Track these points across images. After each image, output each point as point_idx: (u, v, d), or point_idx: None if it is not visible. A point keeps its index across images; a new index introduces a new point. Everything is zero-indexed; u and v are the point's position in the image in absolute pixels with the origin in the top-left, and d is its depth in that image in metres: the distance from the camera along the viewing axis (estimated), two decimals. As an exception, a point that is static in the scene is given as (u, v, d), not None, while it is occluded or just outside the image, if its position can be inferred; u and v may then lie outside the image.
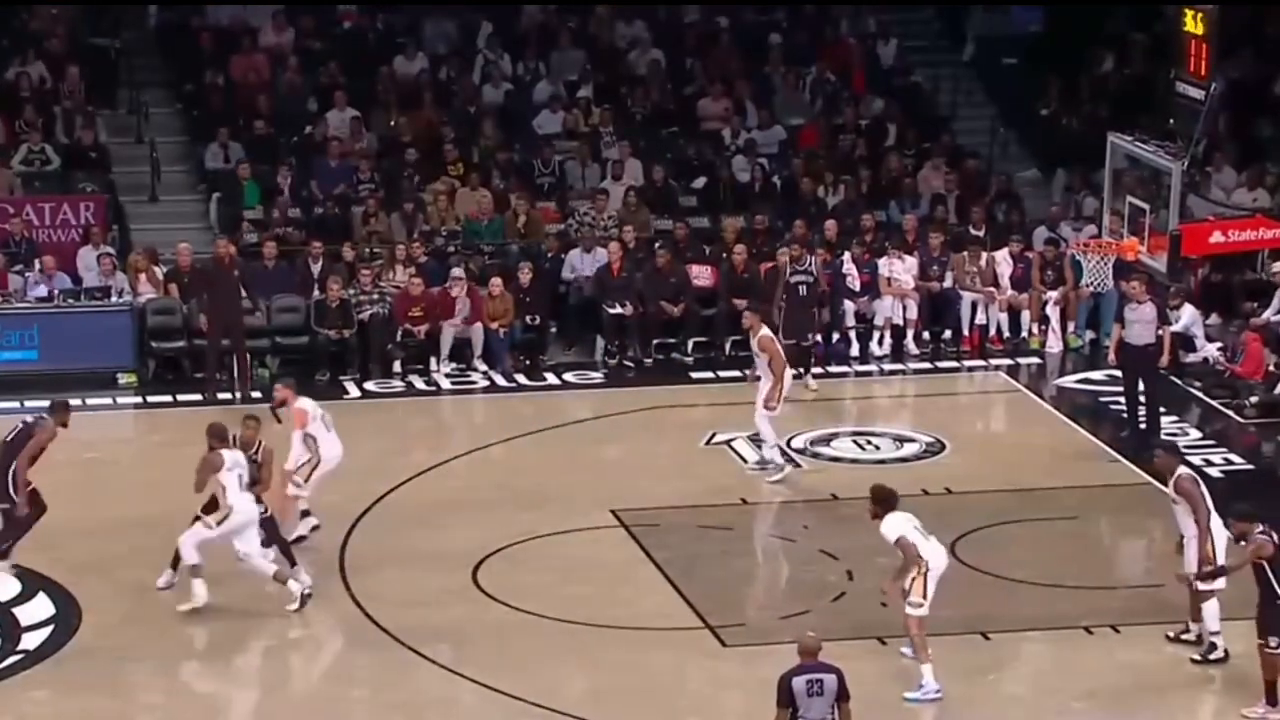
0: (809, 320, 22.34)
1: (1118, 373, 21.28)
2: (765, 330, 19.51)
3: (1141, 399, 20.50)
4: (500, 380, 22.96)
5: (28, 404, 21.70)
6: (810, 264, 22.44)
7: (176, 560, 16.62)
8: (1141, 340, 20.44)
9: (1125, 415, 20.83)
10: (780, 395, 19.13)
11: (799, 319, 22.10)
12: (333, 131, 26.56)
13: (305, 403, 17.83)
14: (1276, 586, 14.36)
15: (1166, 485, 15.78)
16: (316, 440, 17.69)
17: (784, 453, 19.60)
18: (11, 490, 16.71)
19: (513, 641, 16.10)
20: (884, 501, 15.26)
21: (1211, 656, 15.60)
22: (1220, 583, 15.44)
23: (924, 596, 15.08)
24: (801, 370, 21.81)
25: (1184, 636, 15.88)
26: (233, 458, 16.53)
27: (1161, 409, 20.73)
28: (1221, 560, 15.37)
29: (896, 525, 15.16)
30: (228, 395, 22.12)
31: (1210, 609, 15.55)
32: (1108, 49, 29.09)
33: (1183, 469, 15.76)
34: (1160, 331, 20.72)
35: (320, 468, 17.70)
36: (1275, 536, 14.52)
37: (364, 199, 25.50)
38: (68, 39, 27.31)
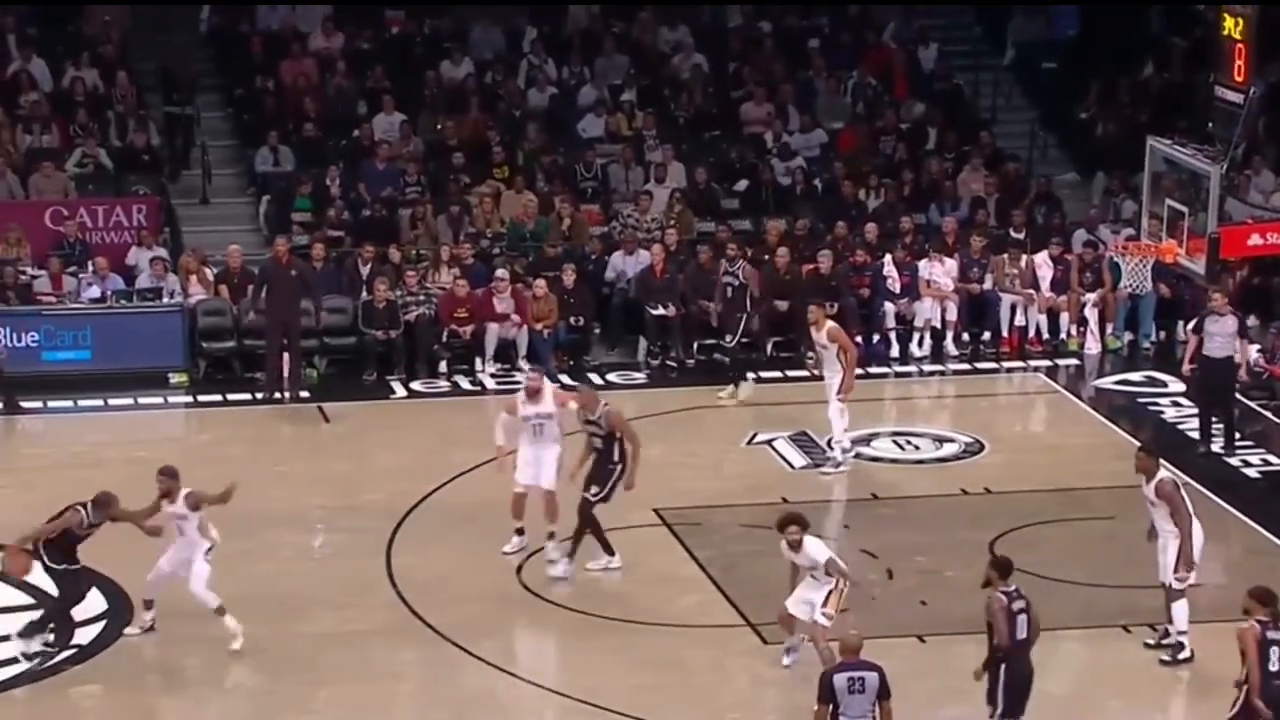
0: (734, 322, 22.17)
1: (1146, 374, 21.23)
2: (831, 322, 19.49)
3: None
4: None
5: (81, 403, 21.92)
6: (741, 268, 22.34)
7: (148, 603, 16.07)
8: (1221, 353, 20.21)
9: (1199, 432, 20.57)
10: (852, 384, 19.04)
11: (724, 319, 22.03)
12: (380, 135, 26.63)
13: None
14: None
15: (1146, 486, 15.64)
16: None
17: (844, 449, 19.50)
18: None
19: (556, 638, 16.14)
20: (803, 523, 15.20)
21: (1180, 657, 15.58)
22: (1191, 580, 15.39)
23: (836, 610, 15.06)
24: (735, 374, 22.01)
25: (1164, 641, 15.82)
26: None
27: (1224, 416, 20.57)
28: (1198, 563, 15.35)
29: (820, 548, 15.14)
30: (277, 395, 22.20)
31: (1180, 609, 15.51)
32: (1147, 53, 28.99)
33: (1164, 473, 15.68)
34: (1239, 345, 20.56)
35: None
36: None
37: (411, 201, 25.58)
38: (120, 44, 27.46)
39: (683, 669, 15.69)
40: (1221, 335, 20.26)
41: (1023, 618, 13.51)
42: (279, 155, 26.27)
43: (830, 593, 15.05)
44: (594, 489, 17.02)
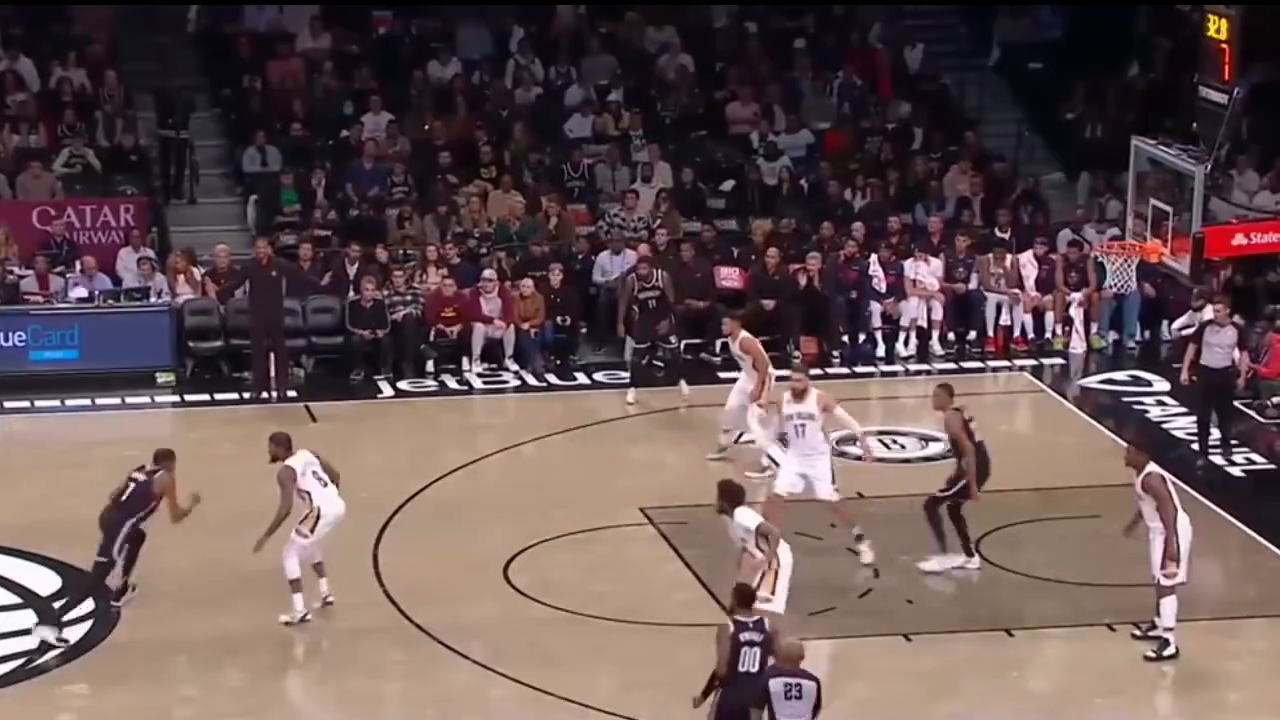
0: (658, 329, 22.18)
1: (1120, 373, 21.24)
2: (745, 333, 19.58)
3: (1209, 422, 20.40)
4: (531, 380, 23.02)
5: (68, 403, 21.88)
6: (657, 279, 22.34)
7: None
8: (1220, 363, 20.27)
9: (1197, 442, 20.55)
10: (767, 392, 19.08)
11: (647, 326, 22.08)
12: (368, 135, 26.62)
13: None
14: None
15: (1135, 479, 15.70)
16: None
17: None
18: (114, 550, 16.20)
19: (544, 638, 16.14)
20: (732, 497, 15.22)
21: (1165, 653, 15.60)
22: (1181, 577, 15.41)
23: (773, 592, 15.04)
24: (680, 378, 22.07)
25: (1151, 633, 15.86)
26: (302, 460, 16.34)
27: (1234, 434, 20.64)
28: (1185, 558, 15.36)
29: (751, 517, 15.14)
30: (264, 395, 22.17)
31: (1169, 606, 15.54)
32: (1132, 54, 29.02)
33: (1153, 467, 15.70)
34: (1238, 355, 20.60)
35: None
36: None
37: (398, 201, 25.57)
38: (109, 43, 27.41)
39: (670, 668, 15.66)
40: (1221, 346, 20.24)
41: (751, 651, 13.03)
42: (266, 155, 26.25)
43: (763, 575, 14.92)
44: (942, 487, 16.81)
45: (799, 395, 17.40)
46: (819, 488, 17.25)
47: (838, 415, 17.50)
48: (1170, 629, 15.61)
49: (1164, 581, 15.54)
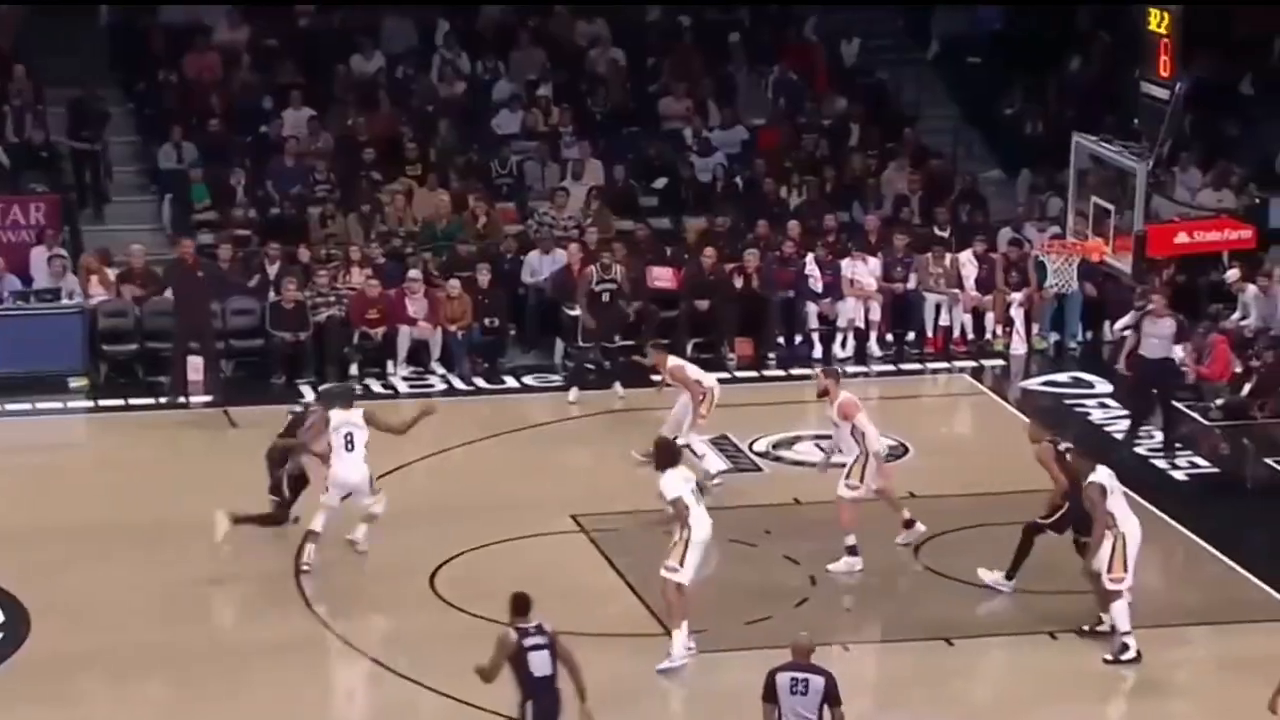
0: (614, 323, 22.31)
1: (1077, 373, 21.37)
2: (672, 360, 19.63)
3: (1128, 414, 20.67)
4: (459, 383, 22.99)
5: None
6: (617, 273, 22.41)
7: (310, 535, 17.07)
8: (1158, 354, 20.55)
9: (1127, 429, 20.95)
10: (709, 407, 19.12)
11: (605, 323, 22.13)
12: (289, 131, 26.52)
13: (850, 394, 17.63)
14: None
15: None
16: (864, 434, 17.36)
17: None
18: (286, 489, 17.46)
19: (473, 650, 15.99)
20: (665, 457, 15.63)
21: (1124, 657, 15.75)
22: (1128, 582, 15.61)
23: (681, 563, 15.40)
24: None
25: (1098, 629, 16.06)
26: (340, 418, 17.20)
27: (1167, 420, 20.92)
28: (1131, 565, 15.58)
29: (675, 484, 15.46)
30: (181, 400, 22.06)
31: (1119, 609, 15.72)
32: (1073, 48, 29.23)
33: (1093, 478, 15.89)
34: (1178, 346, 20.83)
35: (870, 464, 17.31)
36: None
37: (320, 200, 25.49)
38: (13, 37, 27.19)
39: (603, 681, 15.65)
40: (1158, 337, 20.52)
41: (540, 654, 13.15)
42: (182, 152, 26.11)
43: (674, 544, 15.21)
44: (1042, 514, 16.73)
45: (821, 397, 17.80)
46: (839, 485, 17.45)
47: (858, 423, 17.45)
48: (1127, 633, 15.73)
49: (1108, 586, 15.70)
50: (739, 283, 24.09)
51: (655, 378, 20.77)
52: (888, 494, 17.69)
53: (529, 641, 13.15)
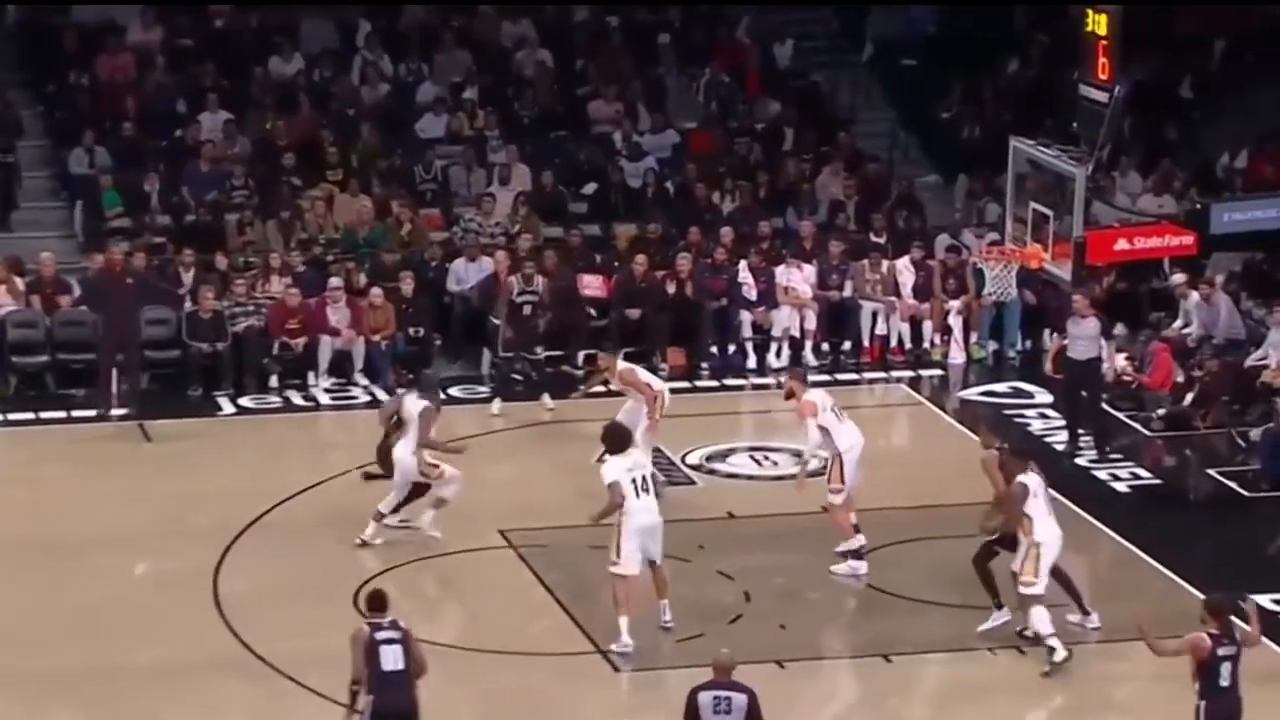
0: (535, 335, 22.25)
1: (1022, 384, 21.44)
2: (622, 364, 19.64)
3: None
4: (382, 395, 22.87)
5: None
6: (538, 284, 22.38)
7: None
8: (1084, 355, 20.78)
9: (1066, 433, 21.24)
10: (660, 410, 19.16)
11: (525, 334, 22.10)
12: (205, 135, 26.40)
13: (814, 393, 17.80)
14: None
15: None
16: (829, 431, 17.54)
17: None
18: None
19: (397, 669, 16.02)
20: (612, 441, 16.02)
21: (1055, 659, 15.88)
22: (1040, 588, 15.81)
23: (618, 554, 15.74)
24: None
25: (1026, 633, 16.22)
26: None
27: (1093, 422, 21.15)
28: (1044, 572, 15.82)
29: (614, 469, 15.96)
30: (113, 413, 21.90)
31: (1036, 615, 15.87)
32: (1010, 50, 29.40)
33: (1020, 480, 16.06)
34: (1104, 345, 21.01)
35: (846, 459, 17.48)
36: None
37: (238, 206, 25.36)
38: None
39: (531, 699, 15.66)
40: (1083, 338, 20.74)
41: (392, 649, 13.33)
42: (95, 156, 25.94)
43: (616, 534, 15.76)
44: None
45: (788, 399, 18.02)
46: (826, 494, 17.66)
47: (823, 423, 17.60)
48: (1051, 635, 15.86)
49: (1023, 590, 15.90)
50: (671, 289, 24.09)
51: (582, 386, 20.74)
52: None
53: (381, 635, 13.39)
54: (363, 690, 13.40)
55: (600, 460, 18.02)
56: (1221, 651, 13.28)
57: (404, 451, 18.03)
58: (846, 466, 17.60)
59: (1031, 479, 16.08)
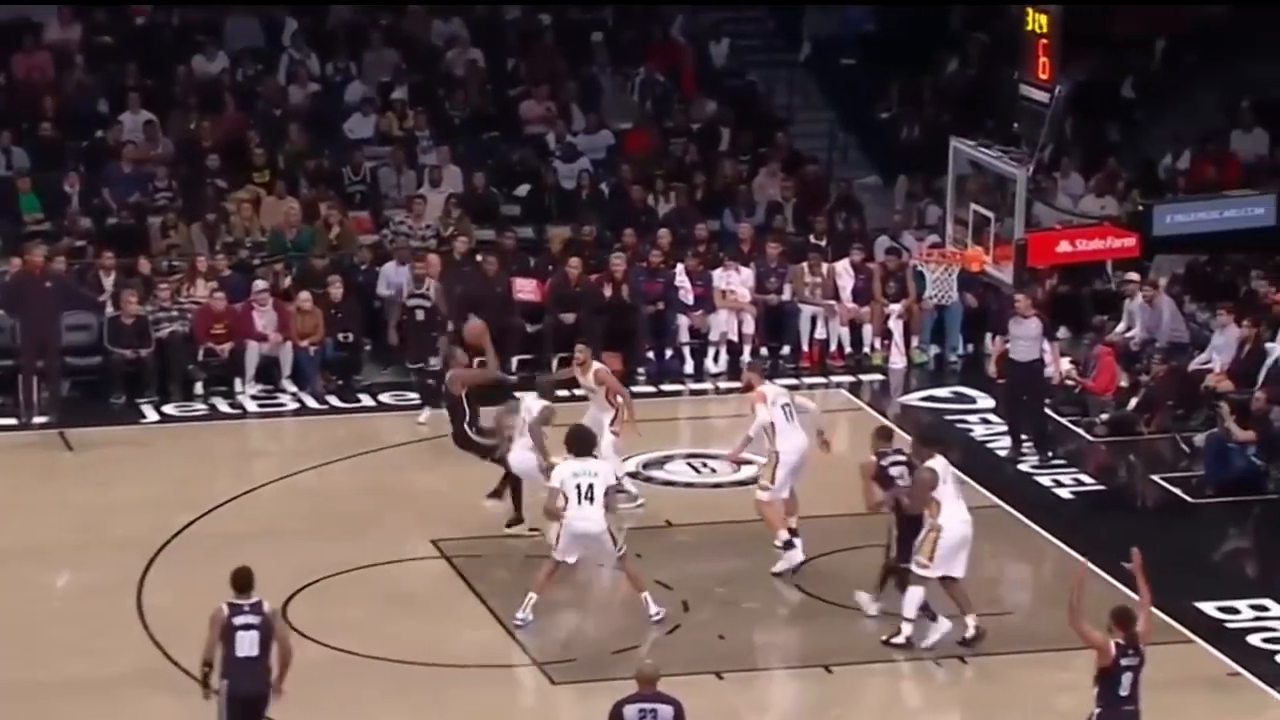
0: (429, 344, 22.17)
1: (963, 390, 21.60)
2: (597, 365, 19.68)
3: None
4: (311, 402, 22.87)
5: None
6: (428, 288, 22.31)
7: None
8: (1026, 356, 20.96)
9: (1009, 438, 21.42)
10: (629, 415, 19.26)
11: (419, 344, 21.97)
12: (126, 135, 26.32)
13: (769, 386, 18.08)
14: None
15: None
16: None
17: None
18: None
19: (329, 682, 16.03)
20: (572, 444, 16.75)
21: (894, 640, 16.36)
22: (930, 572, 16.24)
23: (556, 541, 16.46)
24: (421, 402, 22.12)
25: (968, 637, 16.50)
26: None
27: (1033, 426, 21.32)
28: (939, 558, 16.22)
29: (561, 473, 16.58)
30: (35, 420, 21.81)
31: (912, 594, 16.32)
32: (949, 49, 29.58)
33: (928, 465, 16.43)
34: (1046, 346, 21.19)
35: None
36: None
37: (161, 208, 25.29)
38: None
39: (465, 712, 15.68)
40: (1025, 339, 20.92)
41: (249, 634, 13.55)
42: (12, 158, 25.82)
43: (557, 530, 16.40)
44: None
45: (746, 391, 18.45)
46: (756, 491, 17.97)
47: (768, 416, 17.96)
48: (909, 620, 16.27)
49: (913, 568, 16.32)
50: (607, 293, 24.13)
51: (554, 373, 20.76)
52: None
53: (239, 620, 13.52)
54: (216, 673, 13.54)
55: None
56: (1125, 661, 13.49)
57: (523, 451, 18.09)
58: (780, 469, 17.80)
59: (939, 464, 16.44)
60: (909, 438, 17.87)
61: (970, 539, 16.47)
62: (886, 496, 16.60)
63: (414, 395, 22.86)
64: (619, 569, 16.98)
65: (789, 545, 17.79)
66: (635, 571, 16.88)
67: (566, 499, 16.44)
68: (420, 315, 22.24)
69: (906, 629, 16.37)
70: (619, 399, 19.17)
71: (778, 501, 17.83)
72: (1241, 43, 28.71)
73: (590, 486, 16.47)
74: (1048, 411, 21.75)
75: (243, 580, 13.73)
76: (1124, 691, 13.46)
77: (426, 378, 22.18)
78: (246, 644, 13.43)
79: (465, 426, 18.93)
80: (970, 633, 16.46)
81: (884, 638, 16.40)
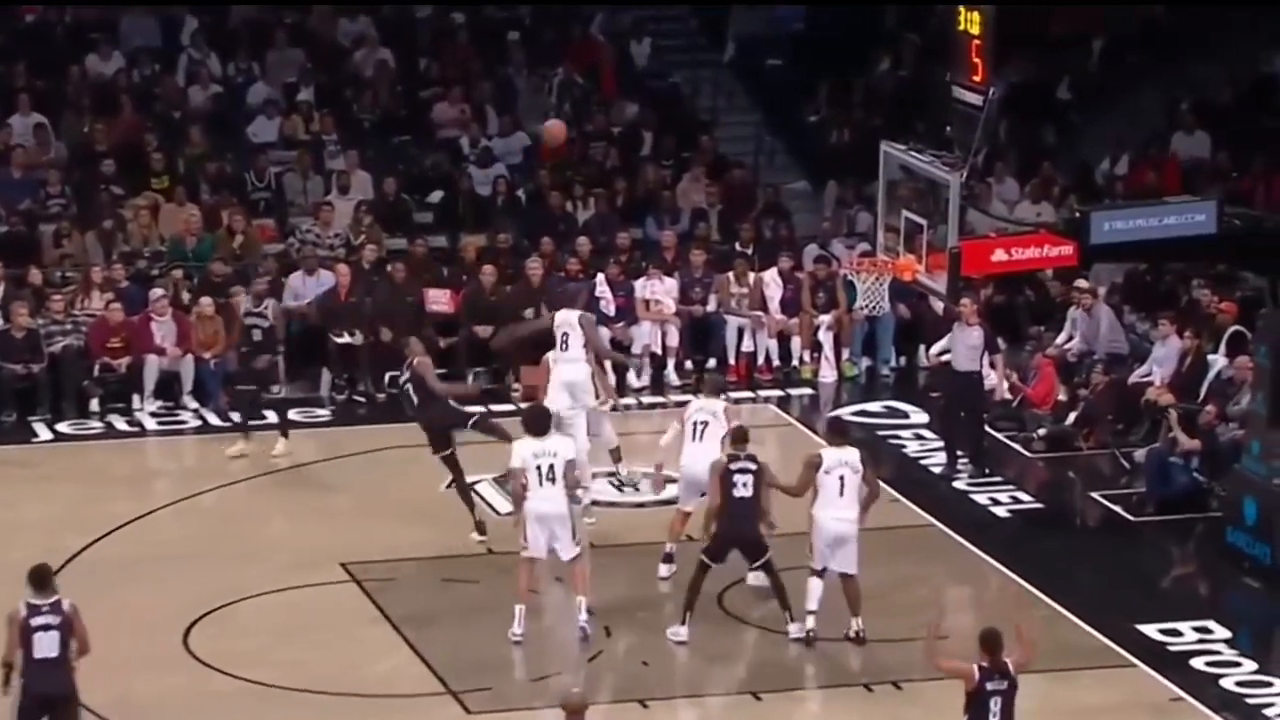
0: (266, 369, 21.74)
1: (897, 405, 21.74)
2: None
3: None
4: (213, 419, 22.77)
5: None
6: (266, 307, 22.09)
7: None
8: (965, 366, 21.09)
9: (944, 451, 21.58)
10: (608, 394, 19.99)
11: (254, 365, 21.74)
12: (16, 139, 26.19)
13: (697, 401, 18.57)
14: None
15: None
16: None
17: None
18: None
19: (232, 714, 15.99)
20: (531, 421, 17.05)
21: (794, 633, 16.89)
22: (812, 563, 16.84)
23: (525, 539, 16.80)
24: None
25: (850, 635, 16.97)
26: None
27: (968, 441, 21.48)
28: (817, 550, 16.91)
29: (519, 453, 16.91)
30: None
31: (810, 587, 16.80)
32: (880, 50, 29.73)
33: (818, 452, 17.07)
34: (989, 359, 21.31)
35: None
36: None
37: (54, 216, 25.16)
38: None
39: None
40: (965, 346, 21.02)
41: (48, 635, 13.79)
42: (-108, 164, 25.68)
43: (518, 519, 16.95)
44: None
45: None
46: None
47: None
48: (809, 610, 16.80)
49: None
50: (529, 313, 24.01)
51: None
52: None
53: (37, 620, 13.67)
54: (15, 673, 13.67)
55: (448, 487, 18.37)
56: (990, 686, 13.64)
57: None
58: (679, 482, 18.00)
59: (830, 454, 16.85)
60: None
61: (850, 538, 16.79)
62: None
63: (322, 412, 22.80)
64: (571, 563, 17.00)
65: (669, 559, 18.15)
66: (583, 574, 16.95)
67: (527, 482, 16.77)
68: (257, 335, 21.80)
69: (806, 624, 16.88)
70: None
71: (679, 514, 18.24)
72: (1183, 42, 28.98)
73: (551, 467, 16.75)
74: (987, 428, 21.88)
75: (40, 578, 13.90)
76: (993, 717, 13.63)
77: (252, 400, 21.70)
78: (45, 645, 13.63)
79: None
80: (851, 633, 16.92)
81: (795, 637, 16.90)
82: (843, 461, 16.95)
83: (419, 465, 20.98)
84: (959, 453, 21.41)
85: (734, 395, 24.01)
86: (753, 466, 16.98)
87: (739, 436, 17.45)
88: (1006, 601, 18.11)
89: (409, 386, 19.12)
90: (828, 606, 17.12)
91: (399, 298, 23.86)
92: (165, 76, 27.74)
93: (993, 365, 21.44)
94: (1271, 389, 18.73)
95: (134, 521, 19.67)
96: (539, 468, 16.75)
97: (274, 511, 20.15)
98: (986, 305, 24.72)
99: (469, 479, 19.17)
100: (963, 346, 21.13)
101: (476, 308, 23.99)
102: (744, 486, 16.89)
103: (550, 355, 19.58)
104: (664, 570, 18.21)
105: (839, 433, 17.56)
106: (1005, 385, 22.09)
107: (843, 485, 16.88)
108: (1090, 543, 20.18)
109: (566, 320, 19.33)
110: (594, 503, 19.90)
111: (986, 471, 21.27)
